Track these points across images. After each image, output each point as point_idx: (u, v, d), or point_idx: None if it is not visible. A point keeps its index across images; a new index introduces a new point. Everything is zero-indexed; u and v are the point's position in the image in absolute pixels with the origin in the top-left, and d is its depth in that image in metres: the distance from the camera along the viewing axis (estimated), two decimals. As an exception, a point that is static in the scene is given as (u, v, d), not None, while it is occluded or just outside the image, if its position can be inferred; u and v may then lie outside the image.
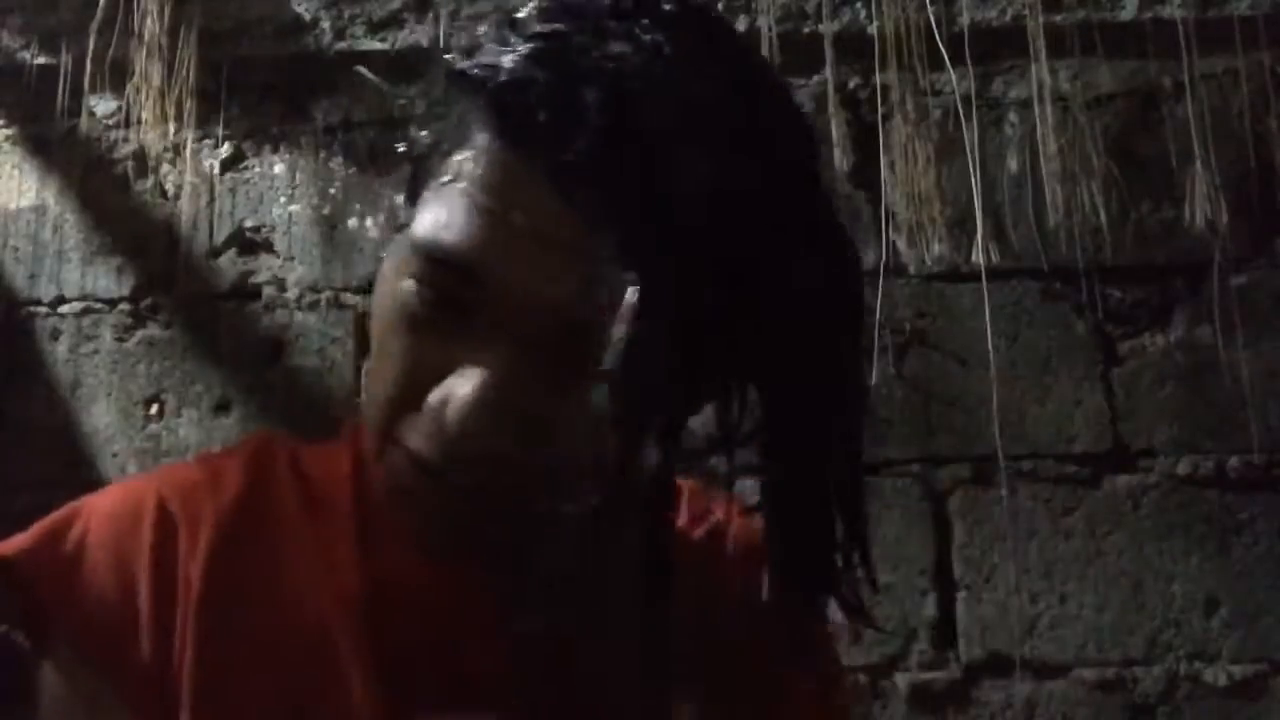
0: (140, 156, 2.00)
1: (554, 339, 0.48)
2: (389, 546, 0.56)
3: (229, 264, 1.96)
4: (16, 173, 2.03)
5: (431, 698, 0.54)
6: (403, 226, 0.53)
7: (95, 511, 0.57)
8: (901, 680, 1.68)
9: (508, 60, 0.48)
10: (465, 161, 0.49)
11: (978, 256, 1.73)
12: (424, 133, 0.54)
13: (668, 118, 0.46)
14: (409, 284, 0.50)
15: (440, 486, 0.51)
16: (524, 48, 0.48)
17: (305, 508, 0.58)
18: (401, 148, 0.56)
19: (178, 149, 1.97)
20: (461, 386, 0.49)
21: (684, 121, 0.46)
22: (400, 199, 0.55)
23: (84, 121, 1.98)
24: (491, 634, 0.54)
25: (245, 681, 0.53)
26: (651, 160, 0.45)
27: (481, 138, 0.49)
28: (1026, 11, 1.80)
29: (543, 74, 0.47)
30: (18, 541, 0.55)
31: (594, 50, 0.47)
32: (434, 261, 0.49)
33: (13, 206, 2.02)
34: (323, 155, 1.97)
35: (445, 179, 0.50)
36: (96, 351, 1.94)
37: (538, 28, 0.49)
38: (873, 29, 1.82)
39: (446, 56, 0.52)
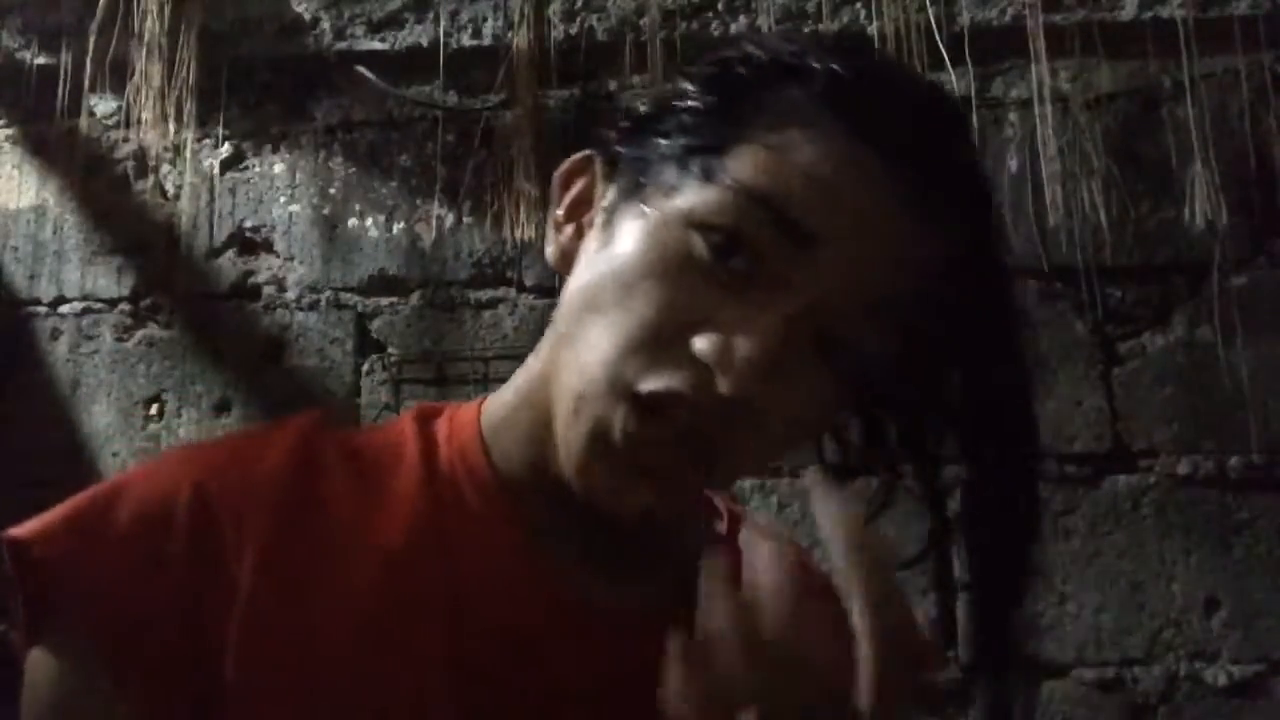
0: (140, 156, 2.00)
1: (839, 323, 0.50)
2: (470, 541, 0.54)
3: (229, 264, 1.96)
4: (16, 173, 2.03)
5: (505, 696, 0.52)
6: (686, 180, 0.52)
7: (123, 497, 0.53)
8: (901, 680, 1.68)
9: (881, 71, 0.54)
10: (800, 134, 0.50)
11: (978, 256, 1.73)
12: (737, 94, 0.53)
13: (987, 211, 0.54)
14: (693, 232, 0.50)
15: (660, 454, 0.49)
16: (891, 66, 0.54)
17: (359, 487, 0.55)
18: (687, 94, 0.55)
19: (178, 149, 1.98)
20: (750, 332, 0.48)
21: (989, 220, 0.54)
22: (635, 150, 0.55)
23: (84, 121, 1.98)
24: (568, 626, 0.54)
25: (304, 683, 0.49)
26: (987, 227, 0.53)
27: (822, 120, 0.50)
28: (1026, 11, 1.80)
29: (913, 96, 0.53)
30: (37, 524, 0.52)
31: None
32: (770, 209, 0.49)
33: (13, 206, 2.02)
34: (323, 155, 1.97)
35: (774, 140, 0.50)
36: (96, 351, 1.94)
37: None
38: (873, 29, 1.82)
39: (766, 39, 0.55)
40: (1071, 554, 1.71)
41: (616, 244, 0.52)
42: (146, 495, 0.53)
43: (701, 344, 0.48)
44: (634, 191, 0.53)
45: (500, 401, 0.58)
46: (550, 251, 0.57)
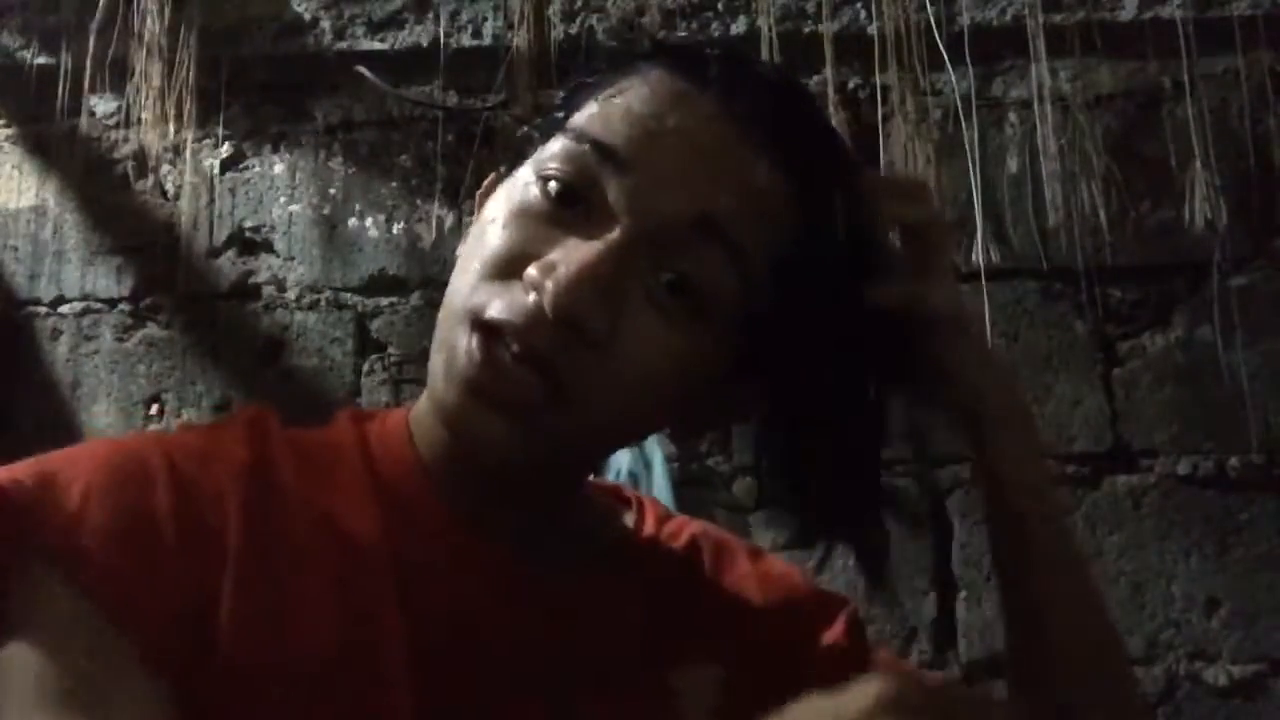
0: (140, 156, 2.00)
1: (671, 236, 0.53)
2: (406, 514, 0.56)
3: (229, 264, 1.96)
4: (16, 173, 2.03)
5: (461, 672, 0.53)
6: (536, 144, 0.58)
7: (92, 463, 0.52)
8: (901, 680, 1.68)
9: (683, 37, 0.65)
10: (633, 83, 0.56)
11: (978, 256, 1.73)
12: (591, 74, 0.59)
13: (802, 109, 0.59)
14: (534, 182, 0.55)
15: (500, 376, 0.51)
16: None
17: (308, 479, 0.56)
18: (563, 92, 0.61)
19: (178, 149, 1.98)
20: (572, 254, 0.51)
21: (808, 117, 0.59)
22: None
23: (84, 121, 1.98)
24: (514, 601, 0.56)
25: (288, 638, 0.50)
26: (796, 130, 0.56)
27: (653, 71, 0.56)
28: (1026, 11, 1.80)
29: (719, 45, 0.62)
30: (7, 473, 0.50)
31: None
32: (590, 143, 0.54)
33: (13, 206, 2.02)
34: (323, 155, 1.97)
35: (609, 93, 0.56)
36: (96, 351, 1.94)
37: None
38: (873, 29, 1.82)
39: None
40: (1071, 554, 1.71)
41: (482, 213, 0.58)
42: (114, 458, 0.52)
43: (530, 271, 0.51)
44: (506, 172, 0.59)
45: (421, 397, 0.60)
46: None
